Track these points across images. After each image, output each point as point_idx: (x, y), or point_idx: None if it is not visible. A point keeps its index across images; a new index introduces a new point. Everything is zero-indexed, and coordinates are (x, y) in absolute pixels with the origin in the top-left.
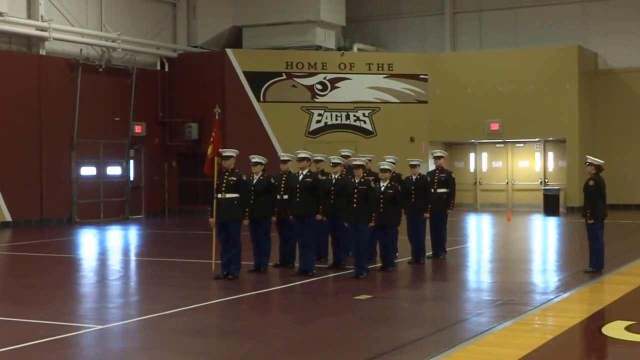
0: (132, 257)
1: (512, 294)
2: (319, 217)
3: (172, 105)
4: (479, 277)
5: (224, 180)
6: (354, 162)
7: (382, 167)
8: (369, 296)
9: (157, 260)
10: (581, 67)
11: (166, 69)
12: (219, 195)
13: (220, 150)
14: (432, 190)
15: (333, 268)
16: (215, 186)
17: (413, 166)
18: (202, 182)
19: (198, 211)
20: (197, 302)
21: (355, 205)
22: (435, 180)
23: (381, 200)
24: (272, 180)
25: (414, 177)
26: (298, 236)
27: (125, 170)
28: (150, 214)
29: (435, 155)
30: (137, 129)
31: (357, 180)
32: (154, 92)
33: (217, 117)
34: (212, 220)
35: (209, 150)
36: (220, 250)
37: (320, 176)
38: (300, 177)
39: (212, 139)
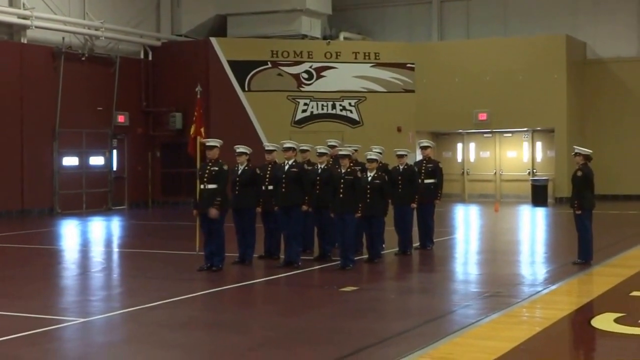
0: (115, 249)
1: (500, 286)
2: (304, 207)
3: (155, 95)
4: (466, 268)
5: (207, 171)
6: (340, 152)
7: (369, 157)
8: (355, 288)
9: (140, 252)
10: (570, 56)
11: (150, 57)
12: (202, 186)
13: (203, 140)
14: (420, 180)
15: (319, 260)
16: (198, 176)
17: (400, 156)
18: (186, 173)
19: (182, 202)
20: (180, 294)
21: (341, 195)
22: (423, 171)
23: (368, 191)
24: (257, 171)
25: (401, 167)
26: (283, 227)
27: (108, 160)
28: (133, 205)
29: (422, 145)
30: (120, 118)
31: (343, 171)
32: (137, 81)
33: (198, 95)
34: (196, 211)
35: (192, 130)
36: (204, 241)
37: (306, 166)
38: (286, 168)
39: (194, 118)
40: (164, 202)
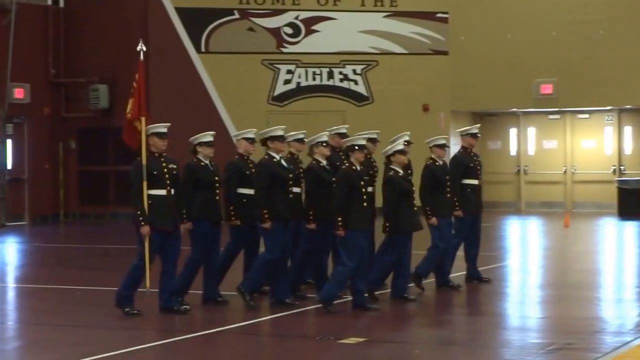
0: (10, 284)
1: (571, 335)
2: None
3: (69, 59)
4: (523, 310)
5: (165, 170)
6: (354, 142)
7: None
8: (362, 339)
9: (47, 289)
10: None
11: (61, 4)
12: (161, 192)
13: (152, 126)
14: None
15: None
16: (146, 177)
17: (440, 147)
18: (116, 172)
19: (109, 215)
20: (109, 349)
21: (365, 205)
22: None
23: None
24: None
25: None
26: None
27: (1, 154)
28: (38, 220)
29: (470, 132)
30: (18, 93)
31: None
32: (42, 38)
33: (141, 58)
34: (147, 228)
35: (128, 108)
36: (162, 271)
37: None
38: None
39: (133, 91)
40: (82, 214)
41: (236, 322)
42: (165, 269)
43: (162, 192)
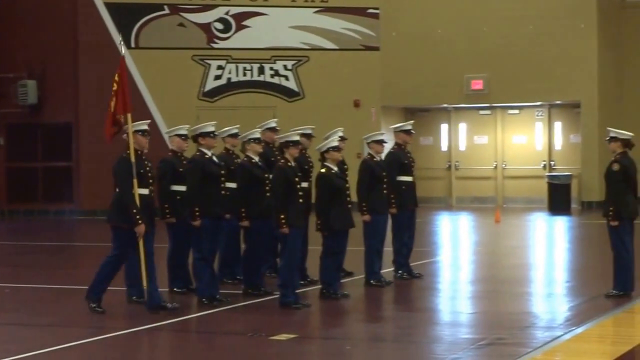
0: None
1: (502, 330)
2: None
3: None
4: (454, 305)
5: (147, 168)
6: (288, 138)
7: (333, 145)
8: (293, 336)
9: None
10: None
11: None
12: (145, 191)
13: (135, 124)
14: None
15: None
16: (135, 176)
17: (378, 142)
18: (46, 168)
19: (37, 212)
20: (36, 347)
21: (301, 201)
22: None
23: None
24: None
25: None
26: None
27: None
28: None
29: (404, 129)
30: None
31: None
32: None
33: (122, 52)
34: (143, 227)
35: (112, 104)
36: (126, 266)
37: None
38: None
39: (114, 85)
40: (11, 211)
41: (165, 320)
42: (133, 262)
43: (146, 191)
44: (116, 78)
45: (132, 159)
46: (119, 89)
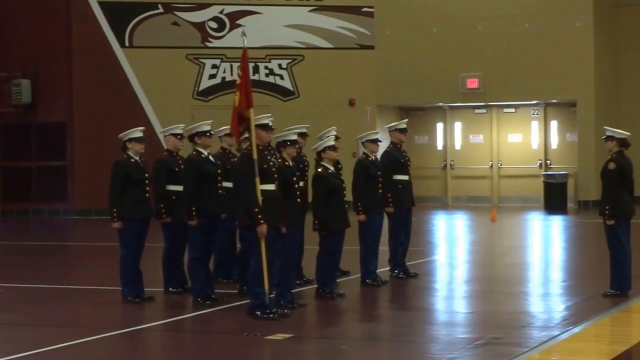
0: None
1: (499, 329)
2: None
3: None
4: (450, 305)
5: (271, 163)
6: (285, 137)
7: (329, 145)
8: (289, 335)
9: None
10: None
11: None
12: (271, 187)
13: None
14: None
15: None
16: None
17: (373, 142)
18: (40, 167)
19: (31, 212)
20: (33, 346)
21: (298, 200)
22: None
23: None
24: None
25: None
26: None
27: None
28: None
29: (398, 127)
30: None
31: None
32: None
33: (244, 43)
34: (264, 227)
35: (236, 100)
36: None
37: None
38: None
39: (237, 81)
40: (4, 211)
41: (159, 320)
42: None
43: (272, 186)
44: (239, 72)
45: (255, 155)
46: (241, 83)
